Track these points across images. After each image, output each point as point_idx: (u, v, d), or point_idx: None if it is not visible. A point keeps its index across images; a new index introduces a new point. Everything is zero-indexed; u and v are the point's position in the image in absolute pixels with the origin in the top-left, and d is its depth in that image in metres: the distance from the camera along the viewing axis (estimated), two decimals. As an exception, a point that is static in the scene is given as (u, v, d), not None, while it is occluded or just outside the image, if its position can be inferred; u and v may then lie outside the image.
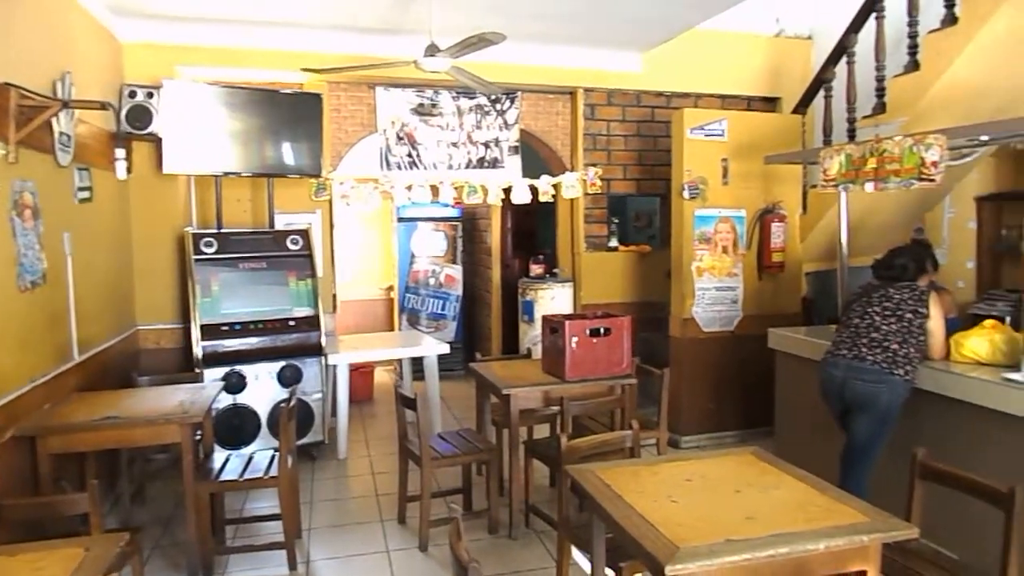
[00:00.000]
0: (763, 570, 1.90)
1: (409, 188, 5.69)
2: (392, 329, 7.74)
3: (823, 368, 3.57)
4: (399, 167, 5.82)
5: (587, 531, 2.51)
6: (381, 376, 7.32)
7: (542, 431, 4.52)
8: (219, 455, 3.74)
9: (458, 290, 7.63)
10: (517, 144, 6.06)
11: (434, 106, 5.86)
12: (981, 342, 3.33)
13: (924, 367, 3.38)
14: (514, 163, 6.06)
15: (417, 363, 5.64)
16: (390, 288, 7.87)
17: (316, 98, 5.10)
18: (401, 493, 3.94)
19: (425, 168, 5.88)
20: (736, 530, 1.95)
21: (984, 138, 3.47)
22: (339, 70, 4.59)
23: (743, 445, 4.97)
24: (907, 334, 3.32)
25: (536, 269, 6.23)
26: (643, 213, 6.38)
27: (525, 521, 3.83)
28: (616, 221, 6.17)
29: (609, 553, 2.51)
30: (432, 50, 4.13)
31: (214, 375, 4.61)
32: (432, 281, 7.61)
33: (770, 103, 6.35)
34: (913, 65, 4.63)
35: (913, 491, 2.57)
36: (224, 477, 3.43)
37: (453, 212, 7.63)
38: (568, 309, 5.87)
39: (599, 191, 5.91)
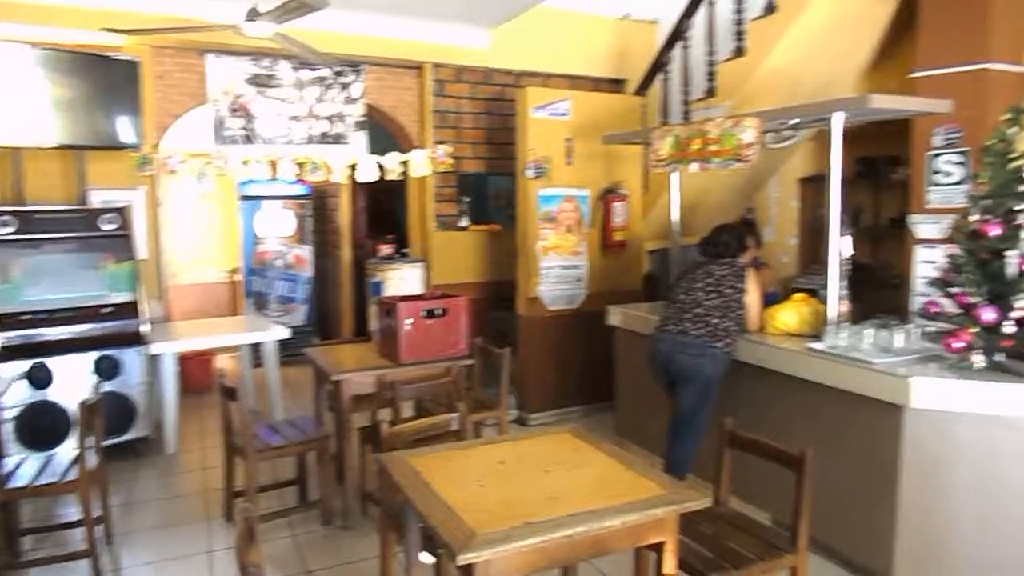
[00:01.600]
0: (560, 550, 1.89)
1: (246, 164, 5.34)
2: (237, 314, 7.31)
3: (652, 343, 3.68)
4: (234, 141, 5.45)
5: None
6: (230, 365, 6.92)
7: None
8: (13, 458, 3.35)
9: (308, 272, 7.32)
10: (363, 119, 5.84)
11: (271, 77, 5.52)
12: (790, 315, 3.53)
13: (743, 339, 3.55)
14: (360, 139, 5.84)
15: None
16: (234, 271, 7.43)
17: (131, 64, 4.65)
18: (227, 489, 3.70)
19: (264, 142, 5.55)
20: (537, 512, 1.92)
21: (794, 121, 3.66)
22: (152, 31, 4.20)
23: (588, 420, 5.13)
24: (727, 309, 3.47)
25: (385, 249, 6.06)
26: (502, 192, 6.35)
27: (362, 510, 3.71)
28: (468, 200, 6.10)
29: (430, 540, 2.45)
30: (253, 14, 3.85)
31: (15, 369, 4.14)
32: (280, 263, 7.25)
33: (617, 84, 6.47)
34: (739, 51, 4.84)
35: (722, 459, 2.68)
36: (13, 483, 3.07)
37: (301, 190, 7.28)
38: (418, 290, 5.75)
39: (449, 169, 5.81)
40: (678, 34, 5.22)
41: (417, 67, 5.87)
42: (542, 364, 5.18)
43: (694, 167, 3.80)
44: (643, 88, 5.67)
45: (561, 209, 5.13)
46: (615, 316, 4.68)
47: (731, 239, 3.69)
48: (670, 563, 2.07)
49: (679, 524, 2.10)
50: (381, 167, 5.64)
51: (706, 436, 3.46)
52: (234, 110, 5.45)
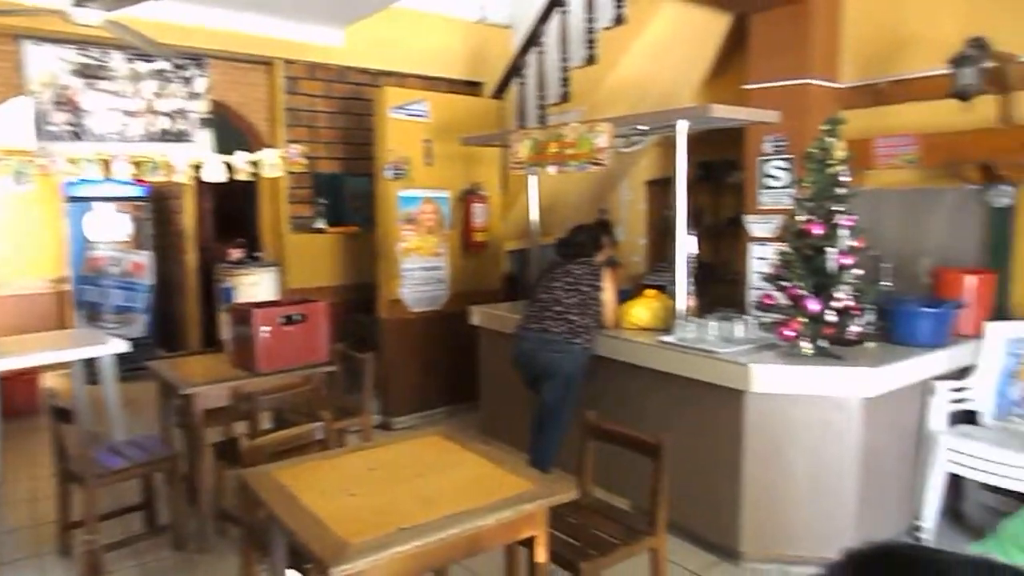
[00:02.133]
0: (436, 553, 1.89)
1: (74, 163, 4.88)
2: (65, 326, 6.66)
3: (515, 341, 3.76)
4: (59, 138, 4.96)
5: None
6: (60, 383, 6.27)
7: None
8: None
9: (148, 279, 6.79)
10: (209, 116, 5.51)
11: (102, 68, 5.08)
12: (643, 310, 3.73)
13: (601, 335, 3.70)
14: (206, 137, 5.51)
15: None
16: (61, 279, 6.76)
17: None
18: (62, 520, 3.37)
19: (95, 139, 5.09)
20: (411, 517, 1.91)
21: (643, 127, 3.87)
22: (-44, 14, 3.73)
23: (452, 420, 5.14)
24: (584, 307, 3.60)
25: (235, 253, 5.76)
26: (360, 193, 6.20)
27: (218, 531, 3.50)
28: (325, 201, 5.92)
29: (298, 556, 2.36)
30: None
31: None
32: (115, 270, 6.67)
33: (475, 87, 6.53)
34: (590, 59, 5.04)
35: (585, 451, 2.78)
36: None
37: (138, 191, 6.74)
38: (273, 295, 5.51)
39: (303, 169, 5.61)
40: (533, 40, 5.36)
41: (267, 63, 5.63)
42: (405, 367, 5.14)
43: (552, 169, 3.92)
44: (500, 91, 5.77)
45: (421, 210, 5.11)
46: (477, 316, 4.73)
47: (587, 239, 3.85)
48: (541, 556, 2.12)
49: (548, 517, 2.16)
50: (229, 167, 5.35)
51: (567, 430, 3.59)
52: (59, 103, 4.96)
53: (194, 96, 5.43)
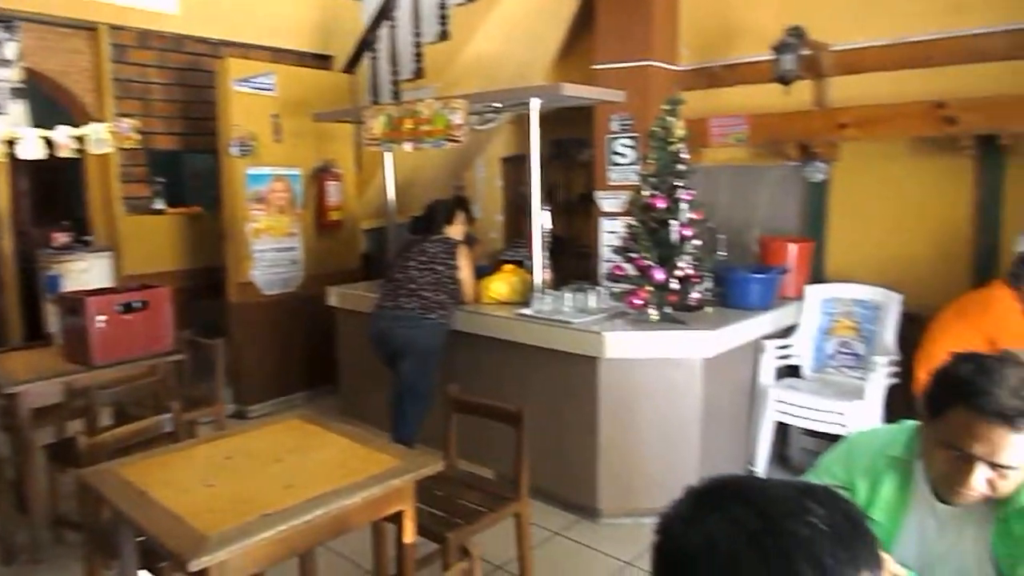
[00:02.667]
0: (301, 536, 1.86)
1: None
2: None
3: (371, 320, 3.73)
4: None
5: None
6: None
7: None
8: None
9: (-45, 268, 6.03)
10: (21, 86, 4.95)
11: None
12: (502, 285, 3.82)
13: (463, 311, 3.75)
14: (19, 109, 4.95)
15: None
16: None
17: None
18: None
19: None
20: (274, 502, 1.87)
21: (498, 105, 3.92)
22: None
23: (312, 404, 5.02)
24: (438, 284, 3.63)
25: (60, 238, 5.25)
26: (202, 171, 5.82)
27: (55, 539, 3.23)
28: (162, 180, 5.52)
29: (150, 555, 2.23)
30: None
31: None
32: (-88, 259, 5.87)
33: (324, 61, 6.30)
34: (443, 34, 5.02)
35: (449, 424, 2.82)
36: None
37: (-63, 169, 5.95)
38: (108, 282, 5.09)
39: (137, 146, 5.17)
40: (384, 13, 5.25)
41: (90, 28, 5.13)
42: (259, 352, 4.94)
43: (408, 146, 3.89)
44: (351, 66, 5.61)
45: (272, 189, 4.90)
46: (334, 296, 4.63)
47: (440, 214, 3.87)
48: (410, 530, 2.15)
49: (414, 492, 2.19)
50: (50, 143, 4.85)
51: (430, 405, 3.62)
52: None
53: (4, 63, 4.86)
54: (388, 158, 4.47)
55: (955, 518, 1.40)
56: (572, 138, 5.63)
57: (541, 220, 3.72)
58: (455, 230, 3.88)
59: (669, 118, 3.32)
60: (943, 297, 3.39)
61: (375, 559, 2.58)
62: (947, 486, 1.33)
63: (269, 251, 4.90)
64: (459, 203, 4.21)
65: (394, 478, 2.03)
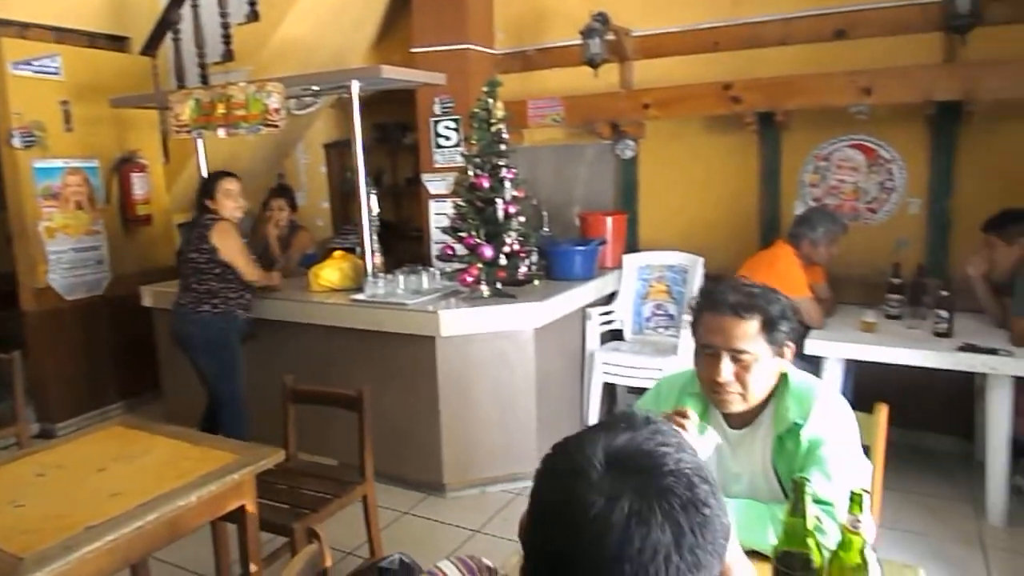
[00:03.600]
0: (134, 545, 1.77)
1: None
2: None
3: (170, 320, 3.58)
4: None
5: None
6: None
7: None
8: None
9: None
10: None
11: None
12: (332, 271, 3.76)
13: (287, 300, 3.65)
14: None
15: None
16: None
17: None
18: None
19: None
20: (98, 513, 1.75)
21: (316, 88, 3.83)
22: None
23: (133, 414, 4.66)
24: (200, 272, 3.42)
25: None
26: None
27: None
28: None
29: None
30: None
31: None
32: None
33: (119, 42, 5.77)
34: (253, 15, 4.79)
35: (286, 415, 2.76)
36: None
37: None
38: None
39: None
40: (184, -8, 4.91)
41: None
42: (64, 363, 4.50)
43: (221, 132, 3.70)
44: (151, 48, 5.19)
45: (66, 183, 4.44)
46: (148, 296, 4.32)
47: (200, 192, 3.54)
48: (253, 525, 2.09)
49: (256, 488, 2.13)
50: None
51: (266, 399, 3.50)
52: None
53: None
54: (200, 146, 4.21)
55: (744, 440, 1.62)
56: (396, 122, 5.61)
57: (368, 204, 3.68)
58: (220, 205, 3.47)
59: (489, 100, 3.43)
60: (738, 257, 3.80)
61: (217, 562, 2.48)
62: (710, 392, 1.57)
63: (68, 252, 4.45)
64: (284, 192, 4.07)
65: (232, 473, 1.97)
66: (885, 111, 3.71)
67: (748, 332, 1.51)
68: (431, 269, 3.73)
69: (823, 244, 3.47)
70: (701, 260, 4.01)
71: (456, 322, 3.25)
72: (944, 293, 3.22)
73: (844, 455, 1.49)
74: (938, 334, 3.19)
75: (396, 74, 3.61)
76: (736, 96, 3.83)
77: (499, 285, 3.46)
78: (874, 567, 1.09)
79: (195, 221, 3.51)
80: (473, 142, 3.43)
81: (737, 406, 1.56)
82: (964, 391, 3.49)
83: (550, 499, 0.74)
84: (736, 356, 1.52)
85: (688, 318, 1.69)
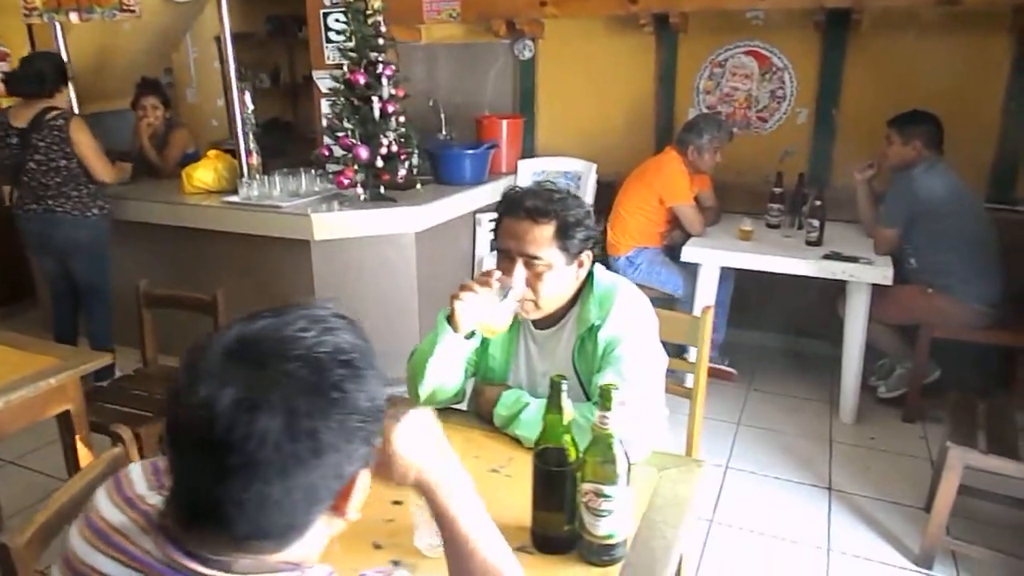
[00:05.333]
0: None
1: None
2: None
3: (20, 223, 3.32)
4: None
5: None
6: None
7: None
8: None
9: None
10: None
11: None
12: (206, 172, 3.58)
13: (157, 202, 3.48)
14: None
15: None
16: None
17: None
18: None
19: None
20: None
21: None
22: None
23: (9, 323, 4.45)
24: (75, 177, 3.20)
25: None
26: None
27: None
28: None
29: None
30: None
31: None
32: None
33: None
34: None
35: (142, 321, 2.66)
36: None
37: None
38: None
39: None
40: None
41: None
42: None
43: (73, 17, 3.39)
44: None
45: (-86, 70, 4.05)
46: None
47: (45, 70, 3.15)
48: (79, 429, 2.04)
49: (111, 393, 2.06)
50: None
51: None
52: None
53: None
54: (58, 32, 3.86)
55: (548, 341, 1.64)
56: (292, 14, 5.27)
57: (240, 101, 3.48)
58: (62, 97, 3.26)
59: (366, -12, 3.21)
60: (632, 163, 3.76)
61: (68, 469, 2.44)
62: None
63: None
64: (152, 87, 3.79)
65: (49, 377, 1.89)
66: (779, 17, 3.65)
67: (542, 237, 1.50)
68: (312, 171, 3.58)
69: (708, 151, 3.47)
70: (594, 166, 3.97)
71: (330, 225, 3.16)
72: (817, 202, 3.27)
73: (639, 354, 1.51)
74: (809, 243, 3.27)
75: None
76: (633, -5, 3.69)
77: (380, 188, 3.35)
78: (621, 460, 1.11)
79: (37, 120, 3.13)
80: (347, 36, 3.24)
81: (532, 315, 1.57)
82: (837, 297, 3.62)
83: (173, 388, 0.71)
84: (529, 261, 1.51)
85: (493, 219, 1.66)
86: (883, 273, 2.96)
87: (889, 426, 3.18)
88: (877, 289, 3.03)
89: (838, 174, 3.63)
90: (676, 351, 2.21)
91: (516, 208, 1.52)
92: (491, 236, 1.58)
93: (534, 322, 1.63)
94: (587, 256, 1.57)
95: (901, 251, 3.13)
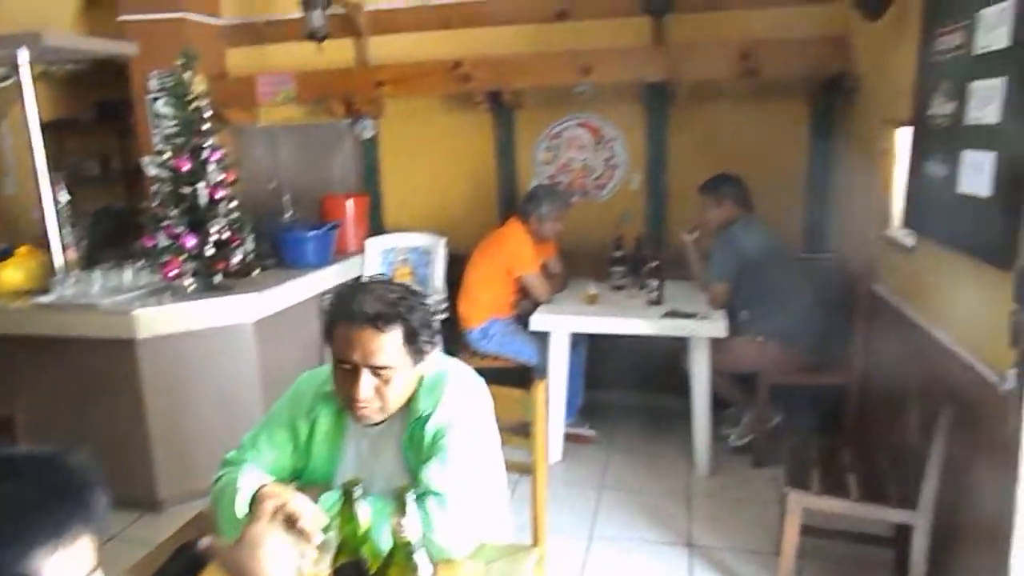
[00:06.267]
0: None
1: None
2: None
3: None
4: None
5: None
6: None
7: None
8: None
9: None
10: None
11: None
12: (15, 271, 3.27)
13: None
14: None
15: None
16: None
17: None
18: None
19: None
20: None
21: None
22: None
23: None
24: None
25: None
26: None
27: None
28: None
29: None
30: None
31: None
32: None
33: None
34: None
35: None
36: None
37: None
38: None
39: None
40: None
41: None
42: None
43: None
44: None
45: None
46: None
47: None
48: None
49: None
50: None
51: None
52: None
53: None
54: None
55: (381, 435, 1.54)
56: (123, 99, 5.02)
57: (54, 192, 3.23)
58: None
59: (185, 74, 3.11)
60: (479, 235, 3.79)
61: None
62: (348, 405, 1.46)
63: None
64: None
65: None
66: (607, 91, 3.86)
67: (389, 345, 1.39)
68: (138, 263, 3.35)
69: (550, 220, 3.56)
70: (443, 240, 3.97)
71: (156, 321, 2.94)
72: (654, 263, 3.41)
73: (466, 441, 1.45)
74: (651, 302, 3.39)
75: (67, 42, 3.18)
76: (466, 74, 3.80)
77: (219, 277, 3.17)
78: (424, 568, 1.03)
79: None
80: (169, 121, 3.10)
81: (375, 418, 1.46)
82: (681, 353, 3.75)
83: None
84: (376, 371, 1.40)
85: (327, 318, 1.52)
86: (718, 327, 3.10)
87: (741, 473, 3.29)
88: (716, 342, 3.17)
89: (673, 234, 3.81)
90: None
91: (355, 314, 1.38)
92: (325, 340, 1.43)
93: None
94: (429, 353, 1.48)
95: (733, 305, 3.30)
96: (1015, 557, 1.78)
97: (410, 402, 1.51)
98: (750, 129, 3.69)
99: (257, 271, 3.30)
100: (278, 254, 3.65)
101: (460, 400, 1.50)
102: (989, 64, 1.94)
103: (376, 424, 1.53)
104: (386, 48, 4.10)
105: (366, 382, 1.39)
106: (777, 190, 3.63)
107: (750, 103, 3.69)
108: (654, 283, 3.38)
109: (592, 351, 3.74)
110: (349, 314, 1.39)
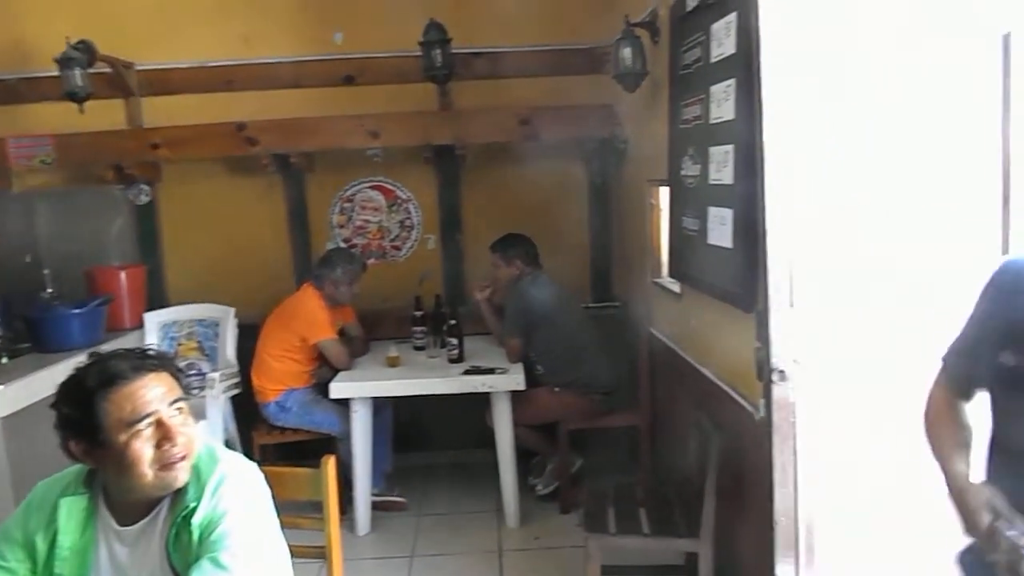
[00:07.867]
0: None
1: None
2: None
3: None
4: None
5: None
6: None
7: None
8: None
9: None
10: None
11: None
12: None
13: None
14: None
15: None
16: None
17: None
18: None
19: None
20: None
21: None
22: None
23: None
24: None
25: None
26: None
27: None
28: None
29: None
30: None
31: None
32: None
33: None
34: None
35: None
36: None
37: None
38: None
39: None
40: None
41: None
42: None
43: None
44: None
45: None
46: None
47: None
48: None
49: None
50: None
51: None
52: None
53: None
54: None
55: (140, 537, 1.38)
56: None
57: None
58: None
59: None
60: (273, 304, 3.61)
61: None
62: (163, 468, 1.32)
63: None
64: None
65: None
66: (397, 154, 3.90)
67: (169, 382, 1.36)
68: None
69: (344, 283, 3.48)
70: (232, 311, 3.73)
71: None
72: (452, 322, 3.45)
73: (241, 533, 1.33)
74: (451, 360, 3.41)
75: None
76: (251, 137, 3.67)
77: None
78: None
79: None
80: None
81: (184, 473, 1.36)
82: (485, 408, 3.80)
83: None
84: (177, 407, 1.35)
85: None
86: (516, 380, 3.18)
87: (550, 521, 3.36)
88: (516, 395, 3.24)
89: (471, 292, 3.89)
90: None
91: (124, 371, 1.31)
92: (81, 428, 1.27)
93: (118, 519, 1.36)
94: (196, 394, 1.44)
95: (529, 358, 3.41)
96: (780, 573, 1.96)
97: (174, 495, 1.37)
98: (536, 188, 3.89)
99: (4, 359, 2.88)
100: (36, 337, 3.22)
101: (233, 489, 1.38)
102: (721, 133, 2.22)
103: (133, 524, 1.38)
104: (164, 109, 3.85)
105: (175, 420, 1.33)
106: (564, 245, 3.85)
107: (534, 164, 3.90)
108: (454, 341, 3.42)
109: (399, 413, 3.67)
110: (118, 374, 1.31)
